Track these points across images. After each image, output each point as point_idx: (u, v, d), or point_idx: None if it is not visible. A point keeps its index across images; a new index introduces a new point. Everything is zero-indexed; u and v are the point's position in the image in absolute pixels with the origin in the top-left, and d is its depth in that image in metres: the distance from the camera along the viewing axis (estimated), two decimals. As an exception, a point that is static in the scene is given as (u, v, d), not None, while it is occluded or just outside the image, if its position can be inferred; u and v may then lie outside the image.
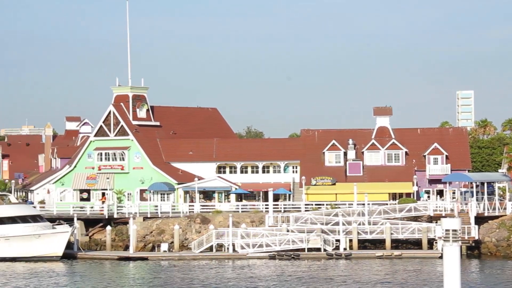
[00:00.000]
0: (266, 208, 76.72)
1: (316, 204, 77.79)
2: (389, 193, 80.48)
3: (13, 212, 71.53)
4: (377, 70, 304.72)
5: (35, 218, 71.85)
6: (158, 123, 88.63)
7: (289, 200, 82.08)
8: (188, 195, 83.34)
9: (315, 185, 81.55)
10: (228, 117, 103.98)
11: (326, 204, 77.00)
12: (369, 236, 70.23)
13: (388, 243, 69.64)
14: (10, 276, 60.37)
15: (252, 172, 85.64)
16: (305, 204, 77.85)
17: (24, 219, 71.01)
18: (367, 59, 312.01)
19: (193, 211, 78.06)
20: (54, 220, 74.77)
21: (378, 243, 70.64)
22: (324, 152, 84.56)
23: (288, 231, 70.49)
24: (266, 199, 79.98)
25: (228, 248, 69.79)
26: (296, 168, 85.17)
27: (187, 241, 73.24)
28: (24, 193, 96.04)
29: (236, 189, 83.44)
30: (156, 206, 79.50)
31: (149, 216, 77.03)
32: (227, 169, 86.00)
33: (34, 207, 79.44)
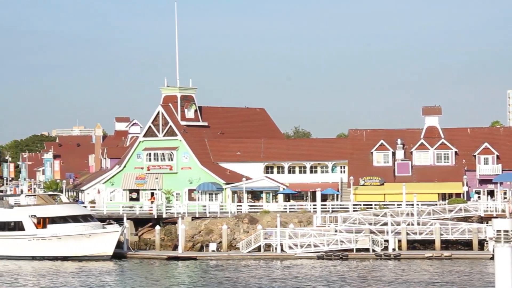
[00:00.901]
0: (314, 208, 76.60)
1: (364, 205, 77.42)
2: (438, 194, 79.69)
3: (65, 211, 72.54)
4: (426, 69, 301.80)
5: (85, 218, 72.74)
6: (206, 124, 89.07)
7: (337, 200, 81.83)
8: (236, 195, 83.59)
9: (363, 185, 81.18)
10: (276, 117, 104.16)
11: (375, 205, 76.58)
12: (418, 237, 69.65)
13: (437, 244, 68.98)
14: (62, 275, 61.25)
15: (300, 172, 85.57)
16: (353, 204, 77.52)
17: (75, 219, 71.94)
18: (416, 58, 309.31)
19: (241, 211, 78.29)
20: (104, 219, 75.63)
21: (427, 244, 70.02)
22: (372, 152, 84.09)
23: (336, 231, 70.29)
24: (314, 199, 79.85)
25: (276, 248, 69.85)
26: (344, 168, 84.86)
27: (235, 241, 73.45)
28: (75, 193, 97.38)
29: (284, 189, 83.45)
30: (204, 206, 79.89)
31: (197, 216, 77.47)
32: (275, 169, 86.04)
33: (85, 206, 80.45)
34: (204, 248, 73.43)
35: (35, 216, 71.32)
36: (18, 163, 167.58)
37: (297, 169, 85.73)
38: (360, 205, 77.57)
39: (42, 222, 71.24)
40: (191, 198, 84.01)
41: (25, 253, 70.81)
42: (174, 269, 64.39)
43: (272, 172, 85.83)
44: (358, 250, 68.32)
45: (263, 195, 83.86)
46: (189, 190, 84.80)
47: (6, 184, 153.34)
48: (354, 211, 75.49)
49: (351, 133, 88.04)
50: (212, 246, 72.41)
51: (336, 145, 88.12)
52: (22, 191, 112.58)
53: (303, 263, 65.53)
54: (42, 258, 70.01)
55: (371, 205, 76.70)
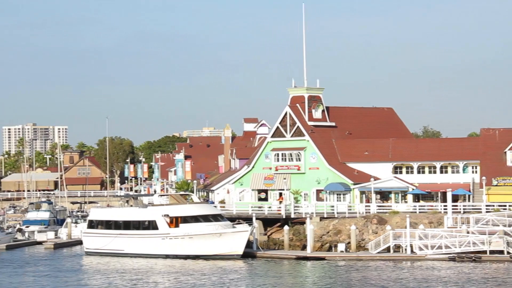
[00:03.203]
0: (444, 209, 75.13)
1: (498, 205, 75.27)
2: None
3: (196, 211, 74.20)
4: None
5: (216, 218, 74.14)
6: (333, 124, 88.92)
7: (469, 201, 79.92)
8: (364, 195, 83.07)
9: (496, 185, 78.92)
10: (404, 117, 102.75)
11: (509, 206, 74.31)
12: (555, 239, 67.04)
13: None
14: (194, 273, 62.70)
15: (430, 172, 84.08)
16: (486, 205, 75.49)
17: (206, 218, 73.45)
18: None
19: (369, 212, 77.76)
20: (233, 219, 76.88)
21: None
22: (506, 152, 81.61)
23: (468, 232, 68.70)
24: (444, 199, 78.29)
25: (406, 249, 68.99)
26: (476, 168, 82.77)
27: (363, 242, 73.02)
28: (205, 193, 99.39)
29: (413, 189, 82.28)
30: (333, 206, 79.81)
31: (325, 216, 77.48)
32: (404, 169, 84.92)
33: (215, 206, 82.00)
34: (333, 248, 73.38)
35: (168, 215, 73.29)
36: (151, 163, 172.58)
37: (426, 169, 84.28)
38: (494, 206, 75.47)
39: (175, 222, 73.12)
40: (319, 198, 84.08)
41: (158, 251, 72.87)
42: (303, 269, 64.70)
43: (400, 172, 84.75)
44: (491, 252, 66.49)
45: (392, 195, 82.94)
46: (317, 190, 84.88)
47: (140, 184, 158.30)
48: (487, 212, 73.53)
49: (483, 132, 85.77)
50: (341, 247, 72.28)
51: (467, 144, 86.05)
52: (155, 191, 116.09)
53: (434, 264, 64.45)
54: (175, 257, 71.84)
55: (506, 206, 74.48)
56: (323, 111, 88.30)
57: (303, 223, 76.08)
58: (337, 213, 78.21)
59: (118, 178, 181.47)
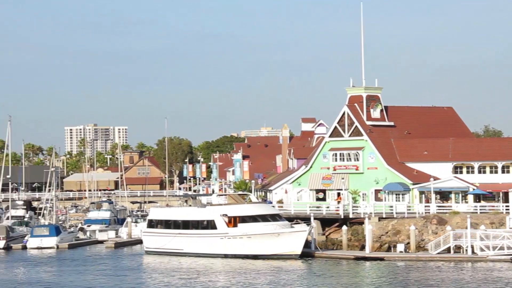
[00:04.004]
0: (506, 209, 73.92)
1: (561, 206, 73.68)
2: None
3: (254, 211, 74.40)
4: None
5: (274, 217, 74.24)
6: (392, 123, 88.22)
7: (531, 201, 78.38)
8: (423, 195, 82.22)
9: (559, 185, 77.26)
10: (465, 116, 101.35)
11: None
12: None
13: None
14: (253, 272, 62.89)
15: (491, 172, 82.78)
16: (549, 206, 73.98)
17: (264, 218, 73.60)
18: None
19: (429, 212, 76.95)
20: (291, 219, 76.87)
21: None
22: None
23: (530, 233, 67.47)
24: (506, 200, 77.00)
25: (466, 250, 68.10)
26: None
27: (423, 242, 72.31)
28: (263, 193, 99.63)
29: (473, 189, 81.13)
30: (391, 206, 79.22)
31: (384, 216, 76.95)
32: (464, 169, 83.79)
33: (273, 206, 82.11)
34: (392, 248, 72.83)
35: (226, 215, 73.68)
36: (209, 163, 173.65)
37: (487, 169, 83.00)
38: (557, 206, 73.90)
39: (233, 221, 73.44)
40: (377, 198, 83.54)
41: (217, 251, 73.30)
42: (362, 269, 64.39)
43: (461, 172, 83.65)
44: (555, 253, 65.16)
45: (452, 195, 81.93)
46: (375, 190, 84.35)
47: (199, 184, 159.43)
48: (550, 212, 72.06)
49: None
50: (400, 247, 71.69)
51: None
52: (213, 191, 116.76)
53: (496, 266, 63.48)
54: (233, 256, 72.17)
55: None
56: (381, 110, 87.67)
57: (361, 223, 75.68)
58: (396, 213, 77.59)
59: (177, 178, 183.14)
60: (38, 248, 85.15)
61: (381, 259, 69.10)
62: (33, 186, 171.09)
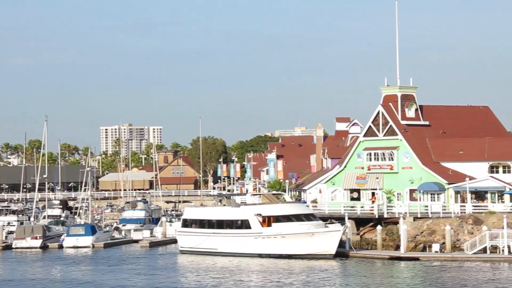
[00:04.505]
0: (543, 209, 72.98)
1: None
2: None
3: (288, 210, 74.38)
4: None
5: (308, 217, 74.16)
6: (427, 123, 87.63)
7: None
8: (459, 195, 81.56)
9: None
10: (501, 115, 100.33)
11: None
12: None
13: None
14: (287, 272, 62.91)
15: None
16: None
17: (298, 218, 73.54)
18: None
19: (464, 212, 76.33)
20: (325, 219, 76.72)
21: None
22: None
23: None
24: (543, 200, 76.02)
25: (503, 250, 67.43)
26: None
27: (459, 242, 71.75)
28: (297, 192, 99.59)
29: (510, 189, 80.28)
30: (426, 206, 78.70)
31: (419, 216, 76.46)
32: (500, 169, 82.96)
33: (307, 206, 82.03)
34: (427, 248, 72.37)
35: (260, 214, 73.74)
36: (243, 163, 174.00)
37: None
38: None
39: (267, 221, 73.49)
40: (412, 198, 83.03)
41: (251, 250, 73.39)
42: (397, 269, 64.07)
43: (497, 172, 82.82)
44: None
45: (488, 195, 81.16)
46: (410, 190, 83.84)
47: (233, 183, 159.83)
48: None
49: None
50: (435, 247, 71.21)
51: None
52: (247, 191, 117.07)
53: (532, 266, 62.74)
54: (267, 256, 72.21)
55: None
56: (416, 110, 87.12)
57: (396, 223, 75.28)
58: (431, 213, 77.06)
59: (211, 177, 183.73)
60: (74, 247, 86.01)
61: (416, 259, 68.71)
62: (69, 185, 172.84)
